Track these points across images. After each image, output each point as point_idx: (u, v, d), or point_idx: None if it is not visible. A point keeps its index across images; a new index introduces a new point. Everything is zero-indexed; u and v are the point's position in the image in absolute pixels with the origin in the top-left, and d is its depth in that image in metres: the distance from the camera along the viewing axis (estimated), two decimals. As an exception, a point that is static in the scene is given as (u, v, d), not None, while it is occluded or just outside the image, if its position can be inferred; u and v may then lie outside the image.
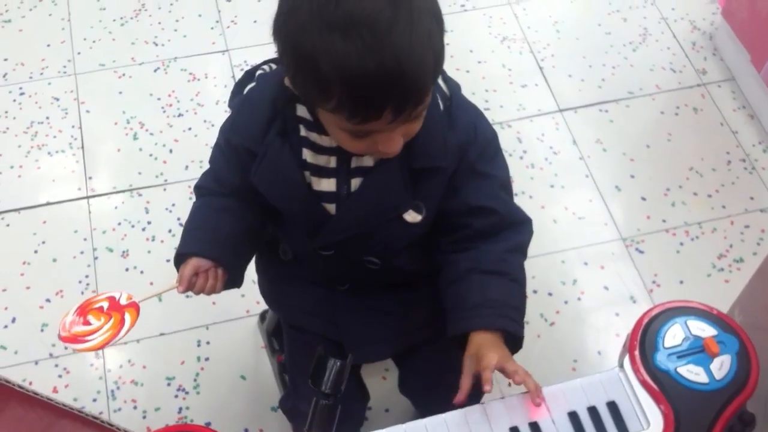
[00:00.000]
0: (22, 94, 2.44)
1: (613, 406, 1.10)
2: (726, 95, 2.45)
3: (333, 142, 1.17)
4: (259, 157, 1.23)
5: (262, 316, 1.93)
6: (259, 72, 1.30)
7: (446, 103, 1.22)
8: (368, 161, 1.20)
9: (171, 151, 2.30)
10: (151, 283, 2.02)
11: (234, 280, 1.35)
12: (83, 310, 1.26)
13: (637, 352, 1.11)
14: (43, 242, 2.12)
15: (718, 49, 2.55)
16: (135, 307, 1.27)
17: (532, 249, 1.33)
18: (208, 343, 1.95)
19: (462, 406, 1.14)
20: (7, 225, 2.16)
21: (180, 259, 1.31)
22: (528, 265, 1.31)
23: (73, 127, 2.36)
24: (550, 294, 2.03)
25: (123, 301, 1.27)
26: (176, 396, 1.88)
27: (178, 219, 2.14)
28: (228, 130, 1.30)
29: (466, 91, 1.28)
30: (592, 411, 1.10)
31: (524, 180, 2.23)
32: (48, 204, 2.20)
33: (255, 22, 2.60)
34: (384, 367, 1.85)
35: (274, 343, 1.86)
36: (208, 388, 1.89)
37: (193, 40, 2.57)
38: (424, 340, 1.46)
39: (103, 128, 2.36)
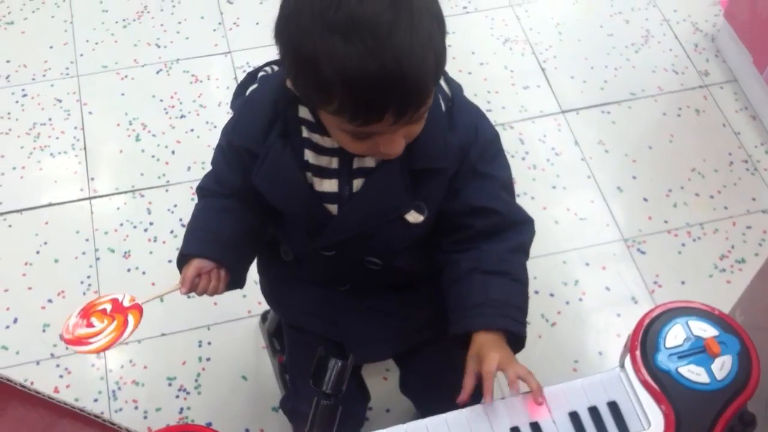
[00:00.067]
0: (24, 95, 2.44)
1: (614, 406, 1.10)
2: (728, 96, 2.45)
3: (335, 143, 1.18)
4: (261, 158, 1.23)
5: (264, 317, 1.93)
6: (261, 74, 1.30)
7: (448, 104, 1.22)
8: (370, 162, 1.20)
9: (173, 152, 2.31)
10: (153, 284, 2.02)
11: (236, 281, 1.36)
12: (86, 312, 1.26)
13: (638, 352, 1.11)
14: (45, 243, 2.13)
15: (720, 50, 2.55)
16: (138, 308, 1.27)
17: (534, 250, 1.33)
18: (209, 343, 1.95)
19: (464, 405, 1.14)
20: (9, 226, 2.16)
21: (182, 260, 1.31)
22: (529, 265, 1.31)
23: (75, 128, 2.36)
24: (551, 294, 2.03)
25: (126, 303, 1.27)
26: (177, 396, 1.88)
27: (180, 220, 2.15)
28: (230, 132, 1.31)
29: (468, 93, 1.28)
30: (593, 411, 1.10)
31: (526, 181, 2.24)
32: (50, 205, 2.20)
33: (257, 24, 2.61)
34: (385, 367, 1.85)
35: (275, 343, 1.86)
36: (209, 388, 1.89)
37: (196, 42, 2.57)
38: (425, 340, 1.46)
39: (106, 129, 2.37)
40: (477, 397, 1.16)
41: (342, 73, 0.99)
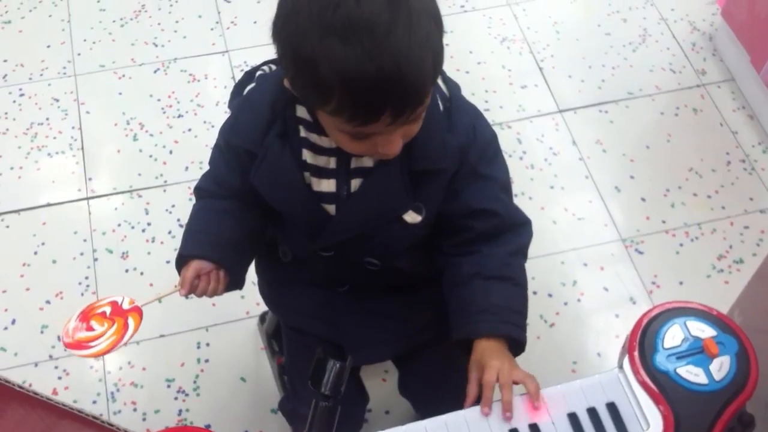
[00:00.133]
0: (21, 95, 2.44)
1: (612, 407, 1.10)
2: (726, 96, 2.45)
3: (333, 143, 1.18)
4: (259, 158, 1.23)
5: (262, 318, 1.93)
6: (258, 73, 1.30)
7: (446, 104, 1.22)
8: (368, 162, 1.20)
9: (171, 152, 2.30)
10: (152, 285, 2.02)
11: (235, 282, 1.35)
12: (86, 316, 1.26)
13: (636, 353, 1.10)
14: (43, 244, 2.12)
15: (718, 49, 2.55)
16: (138, 311, 1.26)
17: (532, 250, 1.33)
18: (207, 344, 1.95)
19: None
20: (7, 226, 2.16)
21: (181, 262, 1.31)
22: (528, 266, 1.31)
23: (73, 128, 2.36)
24: (549, 295, 2.03)
25: (125, 306, 1.27)
26: (176, 398, 1.88)
27: (178, 220, 2.15)
28: (228, 132, 1.30)
29: (466, 92, 1.28)
30: (592, 412, 1.10)
31: (524, 181, 2.24)
32: (48, 205, 2.20)
33: (255, 23, 2.60)
34: (384, 368, 1.85)
35: (274, 344, 1.86)
36: (208, 390, 1.89)
37: (193, 41, 2.57)
38: (425, 342, 1.46)
39: (103, 129, 2.36)
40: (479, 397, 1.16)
41: (340, 75, 0.99)
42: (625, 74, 2.50)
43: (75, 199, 2.22)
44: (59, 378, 1.90)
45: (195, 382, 1.90)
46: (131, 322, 1.25)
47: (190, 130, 2.35)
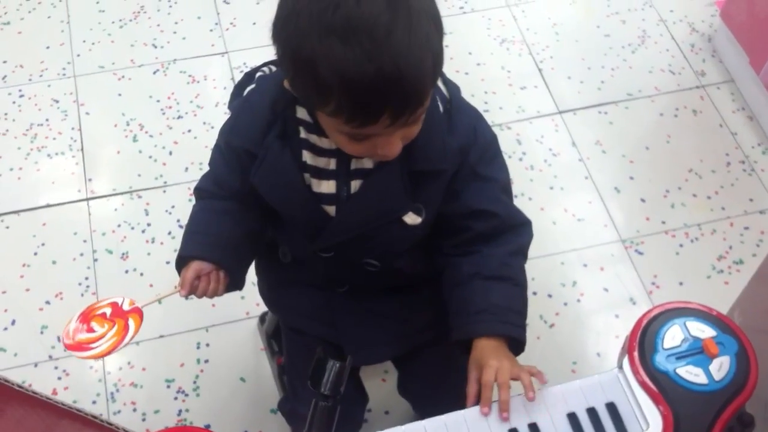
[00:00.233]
0: (21, 96, 2.44)
1: (612, 408, 1.10)
2: (725, 97, 2.45)
3: (333, 144, 1.18)
4: (259, 159, 1.23)
5: (262, 318, 1.93)
6: (258, 74, 1.30)
7: (446, 106, 1.22)
8: (368, 163, 1.20)
9: (170, 153, 2.30)
10: (151, 286, 2.02)
11: (235, 283, 1.35)
12: (86, 317, 1.26)
13: (636, 353, 1.10)
14: (43, 244, 2.12)
15: (717, 50, 2.55)
16: (138, 312, 1.26)
17: (532, 251, 1.33)
18: (207, 345, 1.95)
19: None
20: (7, 227, 2.16)
21: (181, 262, 1.31)
22: (527, 266, 1.31)
23: (72, 129, 2.36)
24: (549, 296, 2.03)
25: (126, 307, 1.27)
26: (176, 398, 1.88)
27: (178, 221, 2.15)
28: (228, 132, 1.30)
29: (466, 93, 1.28)
30: (591, 412, 1.10)
31: (524, 182, 2.24)
32: (48, 206, 2.20)
33: (254, 24, 2.60)
34: (383, 369, 1.85)
35: (273, 345, 1.86)
36: (207, 390, 1.89)
37: (193, 42, 2.57)
38: (424, 342, 1.46)
39: (103, 130, 2.36)
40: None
41: (339, 75, 0.99)
42: (624, 75, 2.50)
43: (75, 199, 2.22)
44: (59, 378, 1.90)
45: (195, 382, 1.90)
46: (132, 323, 1.25)
47: (189, 131, 2.35)
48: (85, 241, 2.12)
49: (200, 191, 1.38)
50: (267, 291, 1.55)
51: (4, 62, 2.52)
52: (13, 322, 1.98)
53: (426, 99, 1.07)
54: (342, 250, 1.30)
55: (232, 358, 1.93)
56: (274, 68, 1.29)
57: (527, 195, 2.21)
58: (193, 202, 1.40)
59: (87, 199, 2.21)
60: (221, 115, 2.32)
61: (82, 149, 2.32)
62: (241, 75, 1.33)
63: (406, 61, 0.99)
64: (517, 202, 1.33)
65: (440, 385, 1.44)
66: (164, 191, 2.22)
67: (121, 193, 2.23)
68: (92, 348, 1.22)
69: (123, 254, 2.10)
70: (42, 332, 1.96)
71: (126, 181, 2.25)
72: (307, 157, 1.21)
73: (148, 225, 2.16)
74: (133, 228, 2.15)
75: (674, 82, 2.49)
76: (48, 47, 2.56)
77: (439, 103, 1.21)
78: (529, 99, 2.44)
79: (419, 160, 1.19)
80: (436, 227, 1.28)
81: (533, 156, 2.31)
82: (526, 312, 1.28)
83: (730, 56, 2.49)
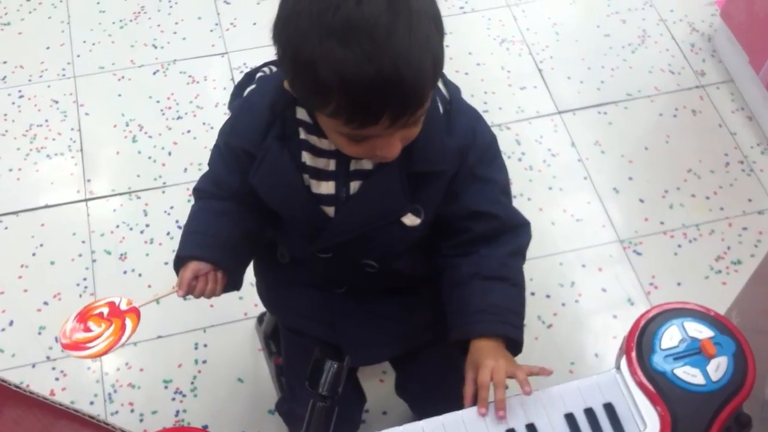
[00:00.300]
0: (21, 96, 2.44)
1: (609, 408, 1.10)
2: (724, 97, 2.45)
3: (332, 145, 1.17)
4: (258, 160, 1.23)
5: (260, 319, 1.92)
6: (259, 74, 1.30)
7: (446, 107, 1.22)
8: (367, 164, 1.20)
9: (170, 153, 2.30)
10: (150, 286, 2.02)
11: (233, 283, 1.36)
12: (83, 317, 1.25)
13: (633, 354, 1.10)
14: (41, 245, 2.12)
15: (717, 50, 2.55)
16: (135, 312, 1.26)
17: (530, 251, 1.33)
18: (205, 345, 1.95)
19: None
20: (6, 228, 2.16)
21: (179, 263, 1.31)
22: (526, 267, 1.31)
23: (72, 129, 2.36)
24: (548, 296, 2.03)
25: (123, 307, 1.26)
26: (173, 399, 1.88)
27: (177, 222, 2.15)
28: (227, 133, 1.30)
29: (465, 93, 1.28)
30: (589, 413, 1.10)
31: (523, 182, 2.24)
32: (46, 207, 2.20)
33: (254, 24, 2.61)
34: (381, 369, 1.85)
35: (271, 345, 1.86)
36: (205, 391, 1.89)
37: (193, 43, 2.57)
38: (423, 343, 1.46)
39: (102, 131, 2.36)
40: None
41: (339, 76, 0.99)
42: (624, 75, 2.50)
43: (74, 200, 2.22)
44: (57, 379, 1.90)
45: (192, 383, 1.90)
46: (129, 323, 1.24)
47: (189, 131, 2.35)
48: (83, 242, 2.12)
49: (199, 191, 1.38)
50: (265, 292, 1.55)
51: (4, 63, 2.52)
52: (11, 323, 1.98)
53: (426, 100, 1.07)
54: (341, 251, 1.30)
55: (230, 358, 1.93)
56: (274, 69, 1.29)
57: (526, 195, 2.21)
58: (192, 202, 1.39)
59: (86, 200, 2.21)
60: (221, 115, 2.32)
61: (81, 150, 2.32)
62: (241, 75, 1.33)
63: (407, 62, 0.99)
64: (516, 203, 1.33)
65: (438, 386, 1.44)
66: (163, 192, 2.22)
67: (120, 194, 2.23)
68: (89, 347, 1.22)
69: (121, 255, 2.10)
70: (40, 333, 1.96)
71: (125, 182, 2.25)
72: (306, 157, 1.21)
73: (147, 226, 2.16)
74: (131, 229, 2.15)
75: (674, 82, 2.49)
76: (48, 48, 2.56)
77: (439, 104, 1.21)
78: (529, 99, 2.44)
79: (418, 162, 1.19)
80: (436, 228, 1.28)
81: (532, 156, 2.31)
82: (524, 313, 1.28)
83: (729, 56, 2.49)
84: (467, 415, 1.11)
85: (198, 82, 2.47)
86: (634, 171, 2.28)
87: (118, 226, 2.15)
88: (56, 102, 2.42)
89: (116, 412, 1.85)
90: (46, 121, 2.38)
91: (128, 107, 2.41)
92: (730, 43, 2.46)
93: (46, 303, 2.01)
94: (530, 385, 1.12)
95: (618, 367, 1.12)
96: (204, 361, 1.93)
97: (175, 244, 1.34)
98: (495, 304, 1.23)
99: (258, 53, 2.49)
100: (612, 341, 1.95)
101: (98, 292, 2.03)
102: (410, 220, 1.24)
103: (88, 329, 1.24)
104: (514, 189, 1.44)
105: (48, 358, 1.93)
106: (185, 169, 2.26)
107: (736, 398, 1.06)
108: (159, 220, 2.17)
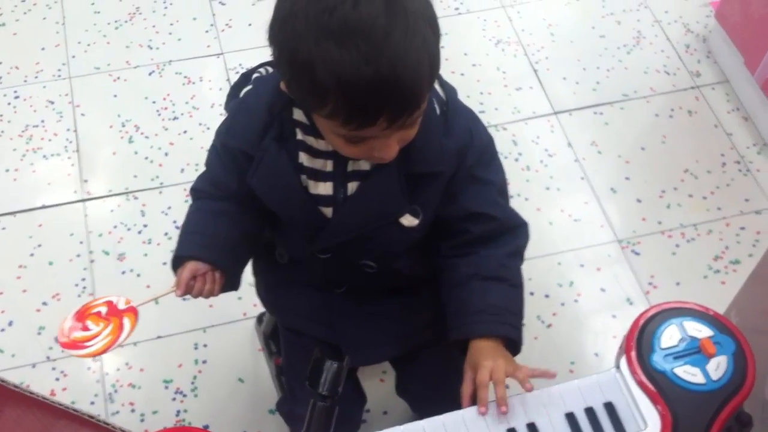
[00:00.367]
0: (16, 97, 2.43)
1: (610, 407, 1.10)
2: (720, 97, 2.46)
3: (329, 146, 1.17)
4: (256, 161, 1.23)
5: (260, 319, 1.92)
6: (255, 75, 1.30)
7: (443, 108, 1.22)
8: (365, 165, 1.20)
9: (166, 154, 2.30)
10: (148, 286, 2.02)
11: (231, 283, 1.35)
12: (81, 315, 1.25)
13: (633, 353, 1.11)
14: (39, 246, 2.12)
15: (712, 51, 2.56)
16: (134, 311, 1.26)
17: (529, 251, 1.33)
18: (205, 345, 1.95)
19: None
20: (3, 228, 2.16)
21: (177, 263, 1.31)
22: (524, 267, 1.32)
23: (68, 130, 2.36)
24: (546, 296, 2.04)
25: (121, 306, 1.26)
26: (174, 399, 1.88)
27: (174, 222, 2.14)
28: (224, 133, 1.30)
29: (461, 94, 1.28)
30: (589, 412, 1.10)
31: (520, 182, 2.24)
32: (44, 207, 2.20)
33: (250, 25, 2.60)
34: (382, 369, 1.85)
35: (271, 345, 1.86)
36: (205, 391, 1.89)
37: (188, 44, 2.57)
38: (423, 343, 1.46)
39: (99, 131, 2.36)
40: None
41: (336, 78, 0.99)
42: (619, 76, 2.51)
43: (71, 201, 2.21)
44: (57, 379, 1.90)
45: (193, 383, 1.90)
46: (127, 322, 1.24)
47: (185, 132, 2.35)
48: (81, 243, 2.12)
49: (196, 192, 1.38)
50: (264, 292, 1.55)
51: (0, 64, 2.51)
52: (11, 323, 1.98)
53: (423, 102, 1.07)
54: (340, 252, 1.30)
55: (230, 358, 1.93)
56: (271, 69, 1.29)
57: (523, 196, 2.22)
58: (190, 202, 1.39)
59: (83, 201, 2.21)
60: (217, 116, 2.32)
61: (77, 150, 2.31)
62: (237, 76, 1.33)
63: (404, 64, 0.99)
64: (514, 203, 1.33)
65: (439, 386, 1.44)
66: (160, 192, 2.22)
67: (117, 194, 2.22)
68: (87, 346, 1.22)
69: (120, 255, 2.10)
70: (39, 333, 1.96)
71: (122, 183, 2.24)
72: (303, 158, 1.21)
73: (145, 226, 2.15)
74: (129, 229, 2.15)
75: (669, 82, 2.49)
76: (43, 48, 2.55)
77: (436, 105, 1.21)
78: (525, 100, 2.44)
79: (416, 162, 1.19)
80: (434, 229, 1.29)
81: (529, 157, 2.31)
82: (523, 313, 1.28)
83: (724, 57, 2.50)
84: (468, 414, 1.11)
85: (194, 83, 2.47)
86: (631, 171, 2.29)
87: (115, 227, 2.15)
88: (52, 103, 2.42)
89: (117, 412, 1.85)
90: (42, 121, 2.38)
91: (124, 108, 2.41)
92: (725, 44, 2.47)
93: (45, 303, 2.01)
94: (531, 383, 1.12)
95: (618, 367, 1.13)
96: (204, 361, 1.93)
97: (173, 244, 1.34)
98: (494, 304, 1.24)
99: (254, 54, 2.49)
100: (611, 341, 1.96)
101: (97, 293, 2.02)
102: (408, 220, 1.24)
103: (86, 328, 1.24)
104: (512, 189, 1.44)
105: (48, 358, 1.93)
106: (182, 170, 2.26)
107: (736, 397, 1.07)
108: (157, 220, 2.16)
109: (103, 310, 1.26)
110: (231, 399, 1.88)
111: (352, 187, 1.22)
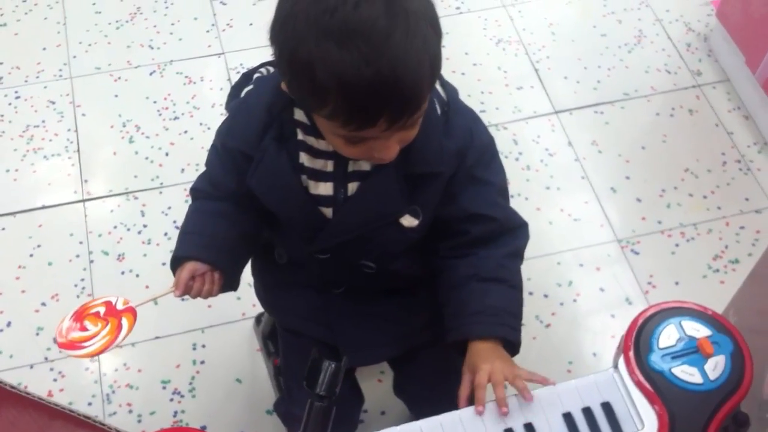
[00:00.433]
0: (17, 97, 2.44)
1: (607, 407, 1.10)
2: (721, 96, 2.45)
3: (330, 147, 1.17)
4: (255, 161, 1.23)
5: (258, 319, 1.92)
6: (256, 75, 1.30)
7: (444, 108, 1.22)
8: (365, 165, 1.20)
9: (167, 154, 2.30)
10: (147, 287, 2.02)
11: (230, 284, 1.36)
12: (80, 316, 1.25)
13: (631, 353, 1.10)
14: (39, 246, 2.12)
15: (713, 50, 2.55)
16: (132, 311, 1.26)
17: (528, 251, 1.33)
18: (203, 346, 1.95)
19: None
20: (3, 228, 2.16)
21: (176, 263, 1.31)
22: (524, 267, 1.32)
23: (68, 130, 2.36)
24: (545, 296, 2.03)
25: (119, 306, 1.26)
26: (172, 399, 1.87)
27: (174, 222, 2.14)
28: (224, 133, 1.30)
29: (462, 94, 1.28)
30: (587, 412, 1.10)
31: (520, 182, 2.24)
32: (44, 207, 2.20)
33: (251, 25, 2.60)
34: (379, 369, 1.85)
35: (269, 346, 1.86)
36: (203, 391, 1.89)
37: (189, 44, 2.57)
38: (421, 344, 1.46)
39: (99, 131, 2.36)
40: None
41: (336, 79, 0.99)
42: (620, 75, 2.50)
43: (71, 201, 2.21)
44: (54, 380, 1.90)
45: (191, 383, 1.90)
46: (125, 322, 1.24)
47: (186, 132, 2.35)
48: (81, 243, 2.12)
49: (196, 192, 1.38)
50: (263, 292, 1.55)
51: (0, 64, 2.51)
52: (9, 324, 1.98)
53: (423, 103, 1.07)
54: (339, 252, 1.30)
55: (228, 359, 1.93)
56: (271, 69, 1.29)
57: (523, 195, 2.21)
58: (189, 202, 1.39)
59: (83, 201, 2.21)
60: (218, 116, 2.32)
61: (78, 151, 2.32)
62: (238, 76, 1.33)
63: (404, 65, 0.99)
64: (514, 203, 1.33)
65: (437, 386, 1.44)
66: (160, 192, 2.22)
67: (117, 195, 2.22)
68: (85, 347, 1.22)
69: (119, 256, 2.10)
70: (38, 334, 1.96)
71: (122, 183, 2.25)
72: (304, 159, 1.21)
73: (145, 226, 2.15)
74: (129, 229, 2.15)
75: (670, 81, 2.49)
76: (44, 48, 2.56)
77: (437, 106, 1.21)
78: (526, 99, 2.44)
79: (416, 163, 1.19)
80: (433, 230, 1.28)
81: (529, 156, 2.31)
82: (522, 314, 1.28)
83: (725, 56, 2.49)
84: (465, 414, 1.11)
85: (194, 83, 2.47)
86: (631, 170, 2.28)
87: (115, 227, 2.15)
88: (53, 103, 2.42)
89: (114, 413, 1.85)
90: (43, 122, 2.38)
91: (125, 108, 2.41)
92: (726, 43, 2.47)
93: (44, 304, 2.01)
94: (530, 392, 1.12)
95: (616, 367, 1.12)
96: (202, 362, 1.93)
97: (172, 245, 1.34)
98: (492, 305, 1.24)
99: (254, 54, 2.49)
100: (610, 340, 1.96)
101: (96, 293, 2.02)
102: (408, 221, 1.24)
103: (84, 328, 1.24)
104: (512, 189, 1.44)
105: (46, 359, 1.93)
106: (182, 170, 2.26)
107: (733, 397, 1.06)
108: (156, 220, 2.16)
109: (102, 310, 1.26)
110: (229, 399, 1.88)
111: (352, 187, 1.22)
